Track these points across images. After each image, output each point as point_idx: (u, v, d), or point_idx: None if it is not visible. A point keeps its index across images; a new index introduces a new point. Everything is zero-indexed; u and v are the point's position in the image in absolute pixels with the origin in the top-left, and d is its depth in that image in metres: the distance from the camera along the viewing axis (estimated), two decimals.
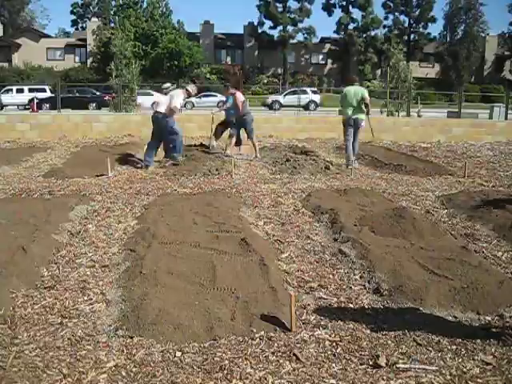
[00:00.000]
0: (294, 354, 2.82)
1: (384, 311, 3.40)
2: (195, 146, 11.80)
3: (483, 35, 49.09)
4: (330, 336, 3.05)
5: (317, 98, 32.89)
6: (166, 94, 10.98)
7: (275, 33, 46.46)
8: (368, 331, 3.11)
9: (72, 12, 59.79)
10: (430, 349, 2.89)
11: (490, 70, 50.22)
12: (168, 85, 11.81)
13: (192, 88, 9.84)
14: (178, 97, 9.20)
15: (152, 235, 4.80)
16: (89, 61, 44.10)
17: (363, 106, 9.24)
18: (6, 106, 27.76)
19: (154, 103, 12.19)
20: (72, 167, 8.81)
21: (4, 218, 5.27)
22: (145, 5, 46.94)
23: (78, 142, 12.95)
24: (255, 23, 46.96)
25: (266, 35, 46.60)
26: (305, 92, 33.17)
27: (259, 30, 47.02)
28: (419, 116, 20.08)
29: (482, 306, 3.38)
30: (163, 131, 9.17)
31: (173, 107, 9.02)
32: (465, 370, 2.68)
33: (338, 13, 47.86)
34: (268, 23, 46.51)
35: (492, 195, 6.80)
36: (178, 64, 39.53)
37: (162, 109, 9.12)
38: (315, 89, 36.10)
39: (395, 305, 3.46)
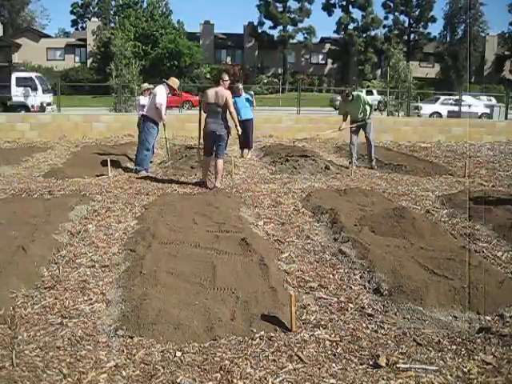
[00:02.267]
0: (295, 354, 2.82)
1: (384, 311, 3.40)
2: (195, 145, 11.79)
3: (483, 35, 49.07)
4: (330, 336, 3.05)
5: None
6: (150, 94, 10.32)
7: (275, 33, 46.43)
8: (368, 331, 3.12)
9: (72, 12, 59.67)
10: (430, 349, 2.89)
11: (490, 70, 50.17)
12: (145, 85, 11.14)
13: (173, 81, 8.67)
14: (160, 94, 8.33)
15: (152, 235, 4.80)
16: (89, 61, 44.06)
17: None
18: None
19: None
20: (72, 167, 8.81)
21: (4, 218, 5.27)
22: (145, 5, 46.84)
23: (78, 142, 12.96)
24: (255, 23, 46.92)
25: (266, 35, 46.54)
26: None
27: (259, 30, 46.93)
28: (419, 116, 20.08)
29: (482, 306, 3.38)
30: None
31: (157, 105, 8.22)
32: (465, 369, 2.68)
33: (338, 13, 47.79)
34: (268, 23, 46.47)
35: (492, 195, 6.80)
36: (177, 64, 39.49)
37: (146, 111, 8.63)
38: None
39: (395, 305, 3.46)
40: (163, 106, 8.41)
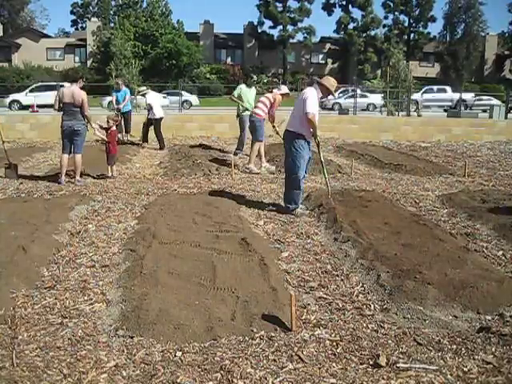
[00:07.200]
0: (295, 354, 2.82)
1: (384, 311, 3.40)
2: (195, 146, 11.81)
3: (483, 34, 49.04)
4: (330, 336, 3.05)
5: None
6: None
7: (275, 32, 46.39)
8: (368, 331, 3.12)
9: (72, 12, 59.77)
10: (431, 348, 2.89)
11: (490, 70, 50.16)
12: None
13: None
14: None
15: (152, 235, 4.80)
16: (89, 61, 44.05)
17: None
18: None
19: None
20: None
21: (4, 218, 5.27)
22: (144, 5, 46.88)
23: None
24: (255, 23, 46.90)
25: (266, 35, 46.51)
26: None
27: (259, 30, 46.92)
28: (419, 115, 20.07)
29: (482, 306, 3.38)
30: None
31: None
32: (465, 369, 2.68)
33: (337, 12, 47.80)
34: (268, 23, 46.42)
35: (492, 194, 6.80)
36: (177, 64, 39.48)
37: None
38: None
39: (395, 304, 3.46)
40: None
